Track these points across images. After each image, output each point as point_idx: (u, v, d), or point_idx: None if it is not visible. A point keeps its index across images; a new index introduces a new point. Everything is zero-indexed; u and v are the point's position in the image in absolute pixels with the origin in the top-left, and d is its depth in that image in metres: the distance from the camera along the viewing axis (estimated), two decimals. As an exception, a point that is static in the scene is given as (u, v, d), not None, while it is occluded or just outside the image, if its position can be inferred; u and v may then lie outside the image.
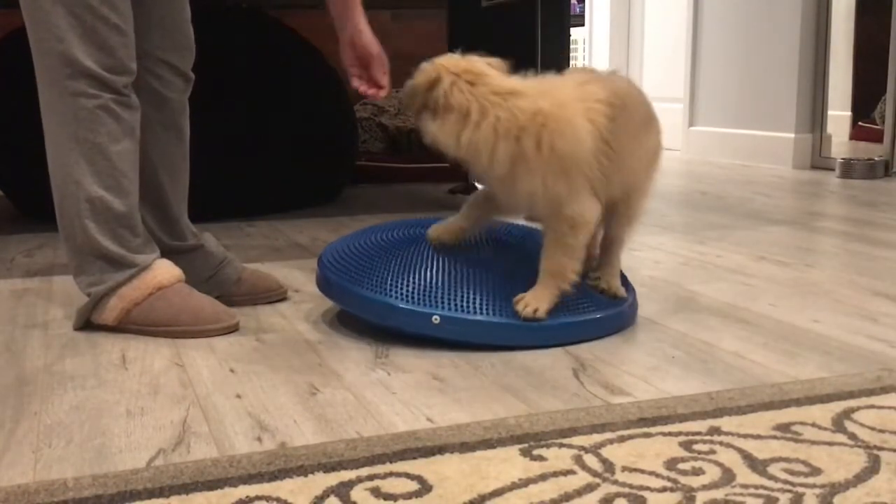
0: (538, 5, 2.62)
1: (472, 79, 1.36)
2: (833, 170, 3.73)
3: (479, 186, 1.86)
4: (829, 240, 2.32)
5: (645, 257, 2.09)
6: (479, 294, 1.40)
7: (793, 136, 4.00)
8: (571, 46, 4.81)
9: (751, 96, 4.25)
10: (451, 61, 1.39)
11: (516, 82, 1.39)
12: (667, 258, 2.08)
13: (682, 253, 2.14)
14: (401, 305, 1.40)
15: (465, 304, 1.39)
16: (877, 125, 3.85)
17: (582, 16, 5.87)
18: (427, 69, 1.38)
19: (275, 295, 1.73)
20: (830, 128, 3.99)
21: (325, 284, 1.52)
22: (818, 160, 3.96)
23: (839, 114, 4.09)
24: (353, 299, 1.46)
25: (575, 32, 5.64)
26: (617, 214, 1.52)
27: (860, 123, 4.12)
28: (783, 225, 2.53)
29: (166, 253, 1.61)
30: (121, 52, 1.46)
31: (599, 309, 1.46)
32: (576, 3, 5.85)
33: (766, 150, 4.13)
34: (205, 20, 1.84)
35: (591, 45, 5.78)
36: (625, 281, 1.58)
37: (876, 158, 3.65)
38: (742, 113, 4.31)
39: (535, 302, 1.40)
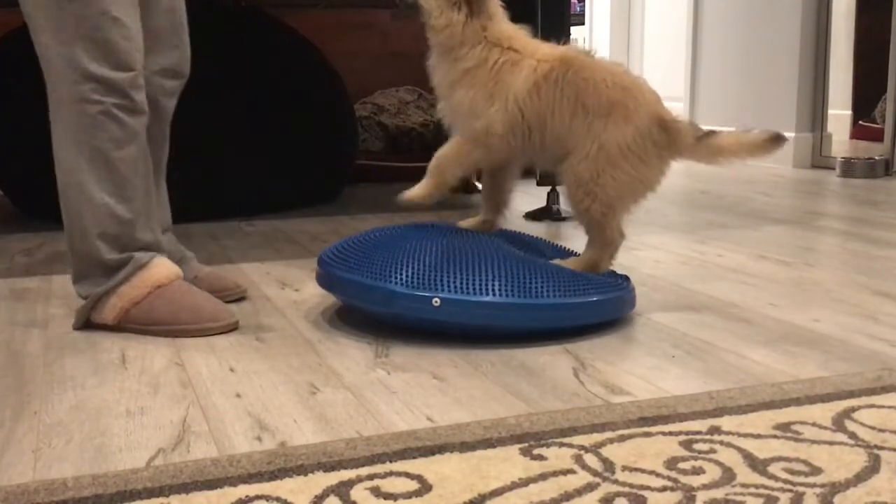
0: (538, 4, 2.61)
1: None
2: (833, 169, 3.73)
3: (480, 186, 1.86)
4: (829, 239, 2.31)
5: (645, 256, 2.09)
6: (479, 276, 1.41)
7: (793, 135, 3.99)
8: (571, 46, 4.80)
9: (751, 95, 4.25)
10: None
11: None
12: (667, 257, 2.08)
13: (683, 252, 2.14)
14: (401, 290, 1.40)
15: (464, 285, 1.39)
16: (877, 124, 3.85)
17: (582, 15, 5.87)
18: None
19: (231, 294, 1.70)
20: (831, 127, 3.99)
21: (324, 278, 1.53)
22: (819, 159, 3.96)
23: (839, 113, 4.08)
24: (354, 288, 1.46)
25: (575, 31, 5.64)
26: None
27: (860, 122, 4.11)
28: (783, 224, 2.53)
29: None
30: (124, 46, 1.44)
31: (599, 292, 1.47)
32: (576, 1, 5.85)
33: (767, 149, 4.12)
34: (204, 20, 1.84)
35: (591, 43, 5.78)
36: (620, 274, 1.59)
37: (876, 157, 3.64)
38: (742, 112, 4.31)
39: (414, 190, 1.59)
